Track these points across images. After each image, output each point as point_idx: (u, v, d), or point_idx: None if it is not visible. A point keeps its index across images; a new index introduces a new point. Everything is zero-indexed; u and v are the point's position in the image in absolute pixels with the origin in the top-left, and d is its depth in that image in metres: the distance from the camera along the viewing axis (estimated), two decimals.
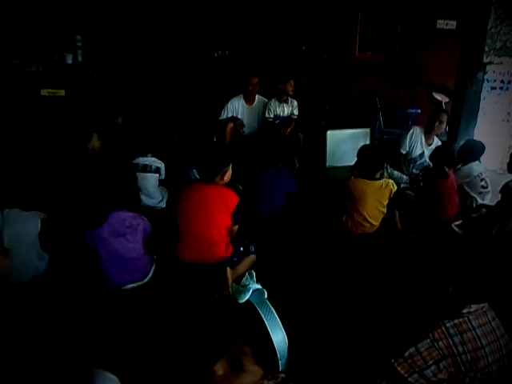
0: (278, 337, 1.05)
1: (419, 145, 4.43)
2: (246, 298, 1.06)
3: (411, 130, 4.46)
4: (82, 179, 3.26)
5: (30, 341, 1.63)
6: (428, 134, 4.43)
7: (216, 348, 1.06)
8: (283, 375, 1.10)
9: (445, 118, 4.36)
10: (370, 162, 3.38)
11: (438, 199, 3.66)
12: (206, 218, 2.72)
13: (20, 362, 1.54)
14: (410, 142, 4.43)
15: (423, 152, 4.43)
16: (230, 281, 2.76)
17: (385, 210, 3.42)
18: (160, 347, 2.18)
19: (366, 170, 3.38)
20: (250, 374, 1.05)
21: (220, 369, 1.04)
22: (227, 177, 2.81)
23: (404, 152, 4.45)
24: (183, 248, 2.77)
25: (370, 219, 3.38)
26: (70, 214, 2.57)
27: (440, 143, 4.50)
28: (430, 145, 4.45)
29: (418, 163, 4.48)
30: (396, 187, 3.46)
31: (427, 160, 4.41)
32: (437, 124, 4.34)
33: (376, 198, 3.36)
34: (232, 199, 2.75)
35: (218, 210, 2.72)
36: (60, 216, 2.59)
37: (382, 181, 3.40)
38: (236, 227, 2.88)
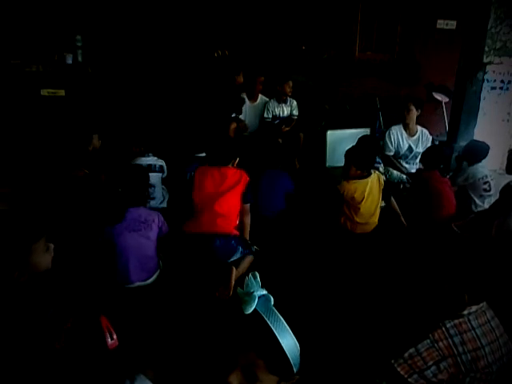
0: (289, 345, 1.03)
1: (403, 140, 4.47)
2: (253, 308, 1.04)
3: (387, 132, 4.52)
4: (88, 179, 3.29)
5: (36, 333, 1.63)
6: (406, 125, 4.46)
7: (226, 358, 1.05)
8: (298, 376, 1.09)
9: (411, 105, 4.38)
10: (368, 155, 3.39)
11: (432, 196, 3.65)
12: (220, 195, 3.02)
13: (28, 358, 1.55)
14: (391, 141, 4.47)
15: (410, 145, 4.47)
16: (233, 282, 2.80)
17: (380, 204, 3.45)
18: (164, 353, 2.18)
19: (365, 164, 3.36)
20: (266, 383, 1.04)
21: (234, 380, 1.04)
22: (235, 165, 3.24)
23: (391, 153, 4.48)
24: (191, 222, 3.04)
25: (371, 218, 3.39)
26: (89, 212, 2.71)
27: (426, 131, 4.51)
28: (414, 135, 4.48)
29: (409, 157, 4.51)
30: (383, 177, 3.52)
31: (418, 151, 4.43)
32: (405, 113, 4.39)
33: (374, 193, 3.38)
34: (245, 177, 3.15)
35: (231, 189, 3.06)
36: (77, 213, 2.65)
37: (373, 175, 3.41)
38: (248, 206, 3.18)
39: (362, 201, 3.32)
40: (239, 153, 3.27)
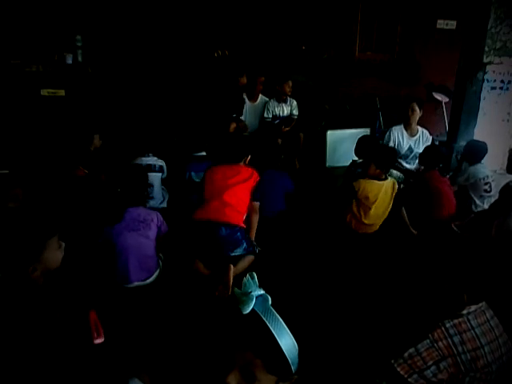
0: (288, 344, 1.03)
1: (403, 140, 4.47)
2: (250, 308, 1.04)
3: (388, 132, 4.53)
4: (88, 178, 3.30)
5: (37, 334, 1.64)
6: (408, 125, 4.47)
7: (224, 358, 1.05)
8: (296, 376, 1.09)
9: (415, 105, 4.39)
10: (390, 154, 3.44)
11: (433, 195, 3.66)
12: (230, 187, 3.07)
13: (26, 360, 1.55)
14: (391, 141, 4.46)
15: (410, 145, 4.47)
16: (231, 280, 2.81)
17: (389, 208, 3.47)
18: (163, 352, 2.18)
19: (385, 164, 3.38)
20: (264, 382, 1.04)
21: (232, 380, 1.04)
22: (247, 161, 3.32)
23: None
24: (200, 210, 3.07)
25: (377, 220, 3.41)
26: (89, 212, 2.72)
27: (426, 132, 4.51)
28: (415, 135, 4.49)
29: (409, 157, 4.53)
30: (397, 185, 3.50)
31: (418, 151, 4.43)
32: (410, 113, 4.39)
33: (386, 197, 3.40)
34: (256, 175, 3.22)
35: (242, 183, 3.11)
36: (78, 213, 2.66)
37: (389, 180, 3.43)
38: (257, 204, 3.21)
39: (374, 202, 3.34)
40: (250, 150, 3.31)
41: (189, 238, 3.03)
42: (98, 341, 1.56)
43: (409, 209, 3.69)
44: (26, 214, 1.81)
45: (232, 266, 2.89)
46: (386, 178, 3.41)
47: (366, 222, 3.39)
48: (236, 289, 1.10)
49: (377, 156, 3.38)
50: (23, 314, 1.60)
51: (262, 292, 1.08)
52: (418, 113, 4.39)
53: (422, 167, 4.35)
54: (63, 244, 1.82)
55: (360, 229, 3.42)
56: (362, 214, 3.37)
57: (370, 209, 3.34)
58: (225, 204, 3.02)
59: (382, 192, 3.35)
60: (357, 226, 3.41)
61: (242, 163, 3.25)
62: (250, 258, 3.07)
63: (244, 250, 3.03)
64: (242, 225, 3.09)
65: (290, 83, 5.04)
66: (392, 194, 3.42)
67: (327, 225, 3.62)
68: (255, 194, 3.18)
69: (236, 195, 3.08)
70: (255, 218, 3.23)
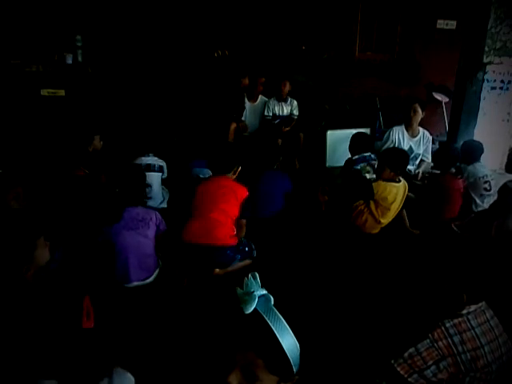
0: (290, 345, 1.03)
1: (404, 140, 4.46)
2: (253, 307, 1.03)
3: (388, 131, 4.52)
4: (88, 178, 3.30)
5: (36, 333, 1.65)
6: (409, 126, 4.45)
7: (225, 357, 1.05)
8: (297, 377, 1.09)
9: (418, 106, 4.38)
10: (403, 157, 3.48)
11: (444, 200, 3.68)
12: (215, 203, 2.98)
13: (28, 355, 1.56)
14: (390, 141, 4.44)
15: (411, 146, 4.46)
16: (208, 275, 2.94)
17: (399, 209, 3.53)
18: (163, 351, 2.19)
19: (399, 166, 3.42)
20: (266, 382, 1.04)
21: (234, 380, 1.03)
22: (237, 173, 3.19)
23: None
24: (188, 230, 2.98)
25: (387, 220, 3.45)
26: (88, 213, 2.74)
27: (427, 133, 4.51)
28: (415, 136, 4.48)
29: (409, 158, 4.49)
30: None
31: (419, 152, 4.42)
32: (412, 114, 4.38)
33: (399, 199, 3.45)
34: (241, 192, 3.07)
35: (227, 198, 3.01)
36: (76, 214, 2.68)
37: (402, 182, 3.48)
38: (244, 221, 3.13)
39: (393, 202, 3.39)
40: (241, 160, 3.23)
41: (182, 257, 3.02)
42: (87, 325, 1.60)
43: (417, 210, 3.71)
44: (16, 219, 1.91)
45: (217, 270, 2.97)
46: (400, 181, 3.46)
47: (383, 221, 3.45)
48: (238, 288, 1.09)
49: (390, 159, 3.42)
50: (17, 311, 1.63)
51: (265, 292, 1.08)
52: (419, 114, 4.38)
53: (420, 170, 4.36)
54: (48, 243, 1.91)
55: (372, 228, 3.47)
56: (380, 213, 3.42)
57: (388, 210, 3.41)
58: (212, 222, 2.94)
59: (398, 195, 3.42)
60: (371, 226, 3.46)
61: (231, 174, 3.16)
62: (245, 262, 3.10)
63: (240, 260, 3.06)
64: (231, 241, 3.00)
65: (287, 83, 5.05)
66: (403, 196, 3.47)
67: (328, 224, 3.62)
68: (243, 212, 3.08)
69: (225, 208, 3.00)
70: (240, 235, 3.16)
